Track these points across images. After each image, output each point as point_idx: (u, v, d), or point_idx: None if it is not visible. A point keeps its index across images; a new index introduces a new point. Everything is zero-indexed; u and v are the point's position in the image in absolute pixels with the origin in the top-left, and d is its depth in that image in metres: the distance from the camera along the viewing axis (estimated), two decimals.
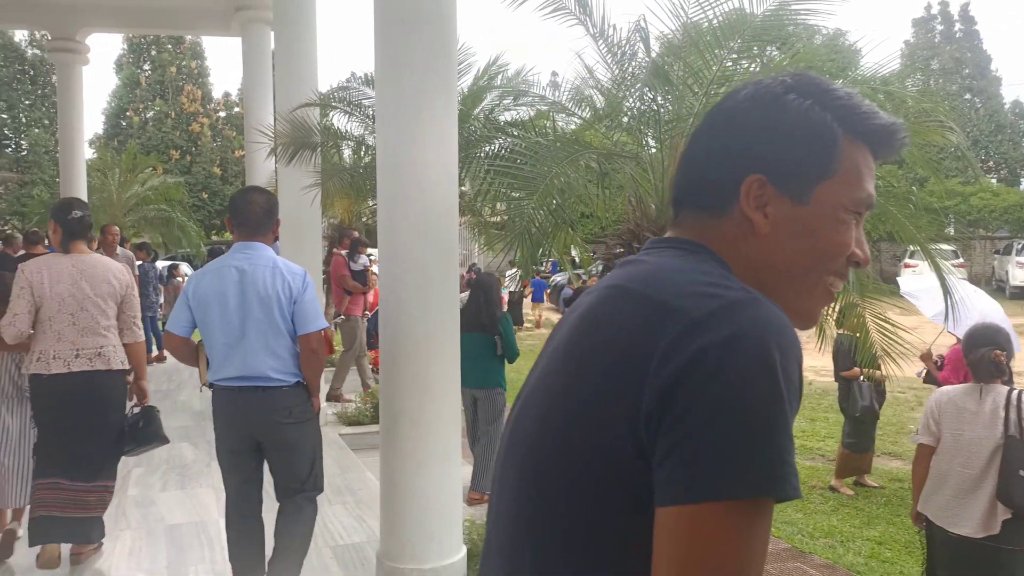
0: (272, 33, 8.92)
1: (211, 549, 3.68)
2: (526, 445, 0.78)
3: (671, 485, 0.64)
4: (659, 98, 3.49)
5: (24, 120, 27.66)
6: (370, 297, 8.62)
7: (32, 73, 28.04)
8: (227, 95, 31.79)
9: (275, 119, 7.10)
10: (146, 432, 3.46)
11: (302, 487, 2.92)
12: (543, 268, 18.36)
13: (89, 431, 3.28)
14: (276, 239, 3.09)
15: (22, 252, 6.66)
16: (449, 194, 3.22)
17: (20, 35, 27.33)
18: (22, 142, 27.37)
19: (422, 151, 3.12)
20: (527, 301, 17.17)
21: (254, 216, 2.90)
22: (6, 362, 3.52)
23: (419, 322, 3.15)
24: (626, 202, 3.73)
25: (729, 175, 0.81)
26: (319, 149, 6.51)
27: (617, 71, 3.60)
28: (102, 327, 3.33)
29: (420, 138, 3.12)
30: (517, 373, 5.52)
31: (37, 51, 27.48)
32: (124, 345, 3.45)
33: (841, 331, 4.59)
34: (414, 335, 3.15)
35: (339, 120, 6.90)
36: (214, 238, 26.93)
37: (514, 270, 17.38)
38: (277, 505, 2.96)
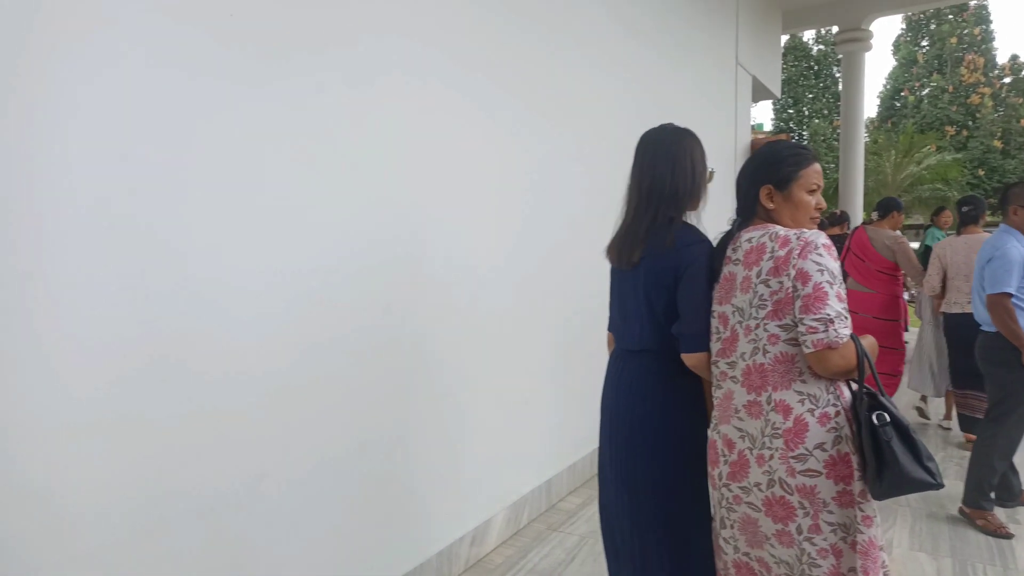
0: None
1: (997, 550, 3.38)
2: None
3: None
4: None
5: (806, 112, 30.53)
6: None
7: (816, 68, 30.61)
8: (1014, 58, 28.25)
9: None
10: None
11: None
12: None
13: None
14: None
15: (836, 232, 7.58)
16: None
17: (808, 35, 30.17)
18: (804, 133, 30.28)
19: None
20: None
21: None
22: (930, 303, 5.48)
23: None
24: None
25: None
26: None
27: None
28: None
29: None
30: None
31: (821, 46, 29.85)
32: None
33: None
34: None
35: None
36: (988, 219, 24.50)
37: None
38: None
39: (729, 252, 1.88)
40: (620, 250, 2.12)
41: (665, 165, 2.03)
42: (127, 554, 1.74)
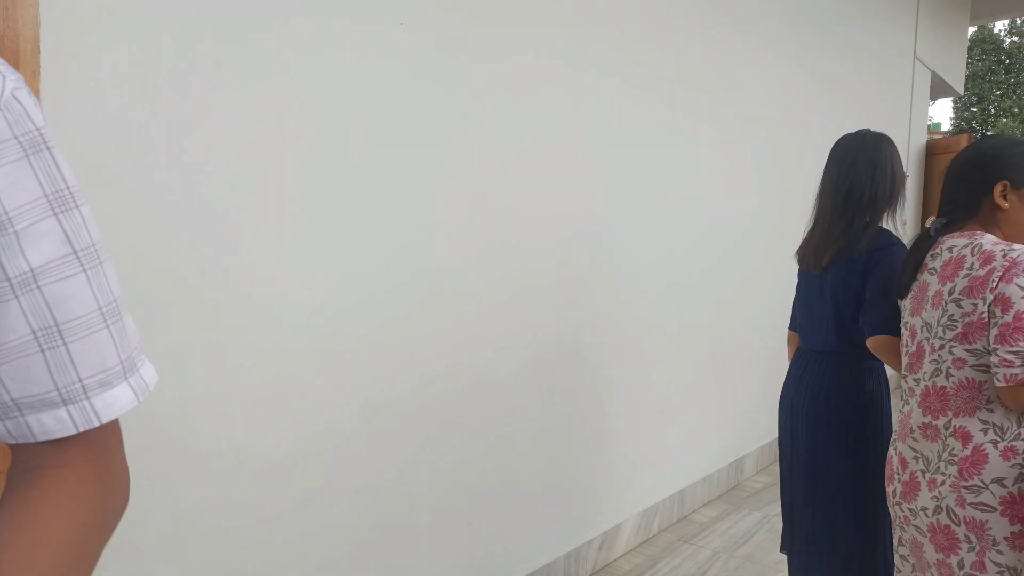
0: None
1: None
2: None
3: None
4: None
5: (992, 111, 27.75)
6: None
7: (1006, 62, 27.74)
8: None
9: None
10: None
11: None
12: None
13: None
14: None
15: None
16: None
17: (999, 26, 27.37)
18: (988, 133, 27.56)
19: None
20: None
21: None
22: None
23: None
24: None
25: None
26: None
27: None
28: None
29: None
30: None
31: (1015, 38, 27.00)
32: None
33: None
34: None
35: None
36: None
37: None
38: None
39: (928, 259, 1.76)
40: (811, 253, 2.20)
41: (866, 170, 2.08)
42: (288, 522, 1.89)
